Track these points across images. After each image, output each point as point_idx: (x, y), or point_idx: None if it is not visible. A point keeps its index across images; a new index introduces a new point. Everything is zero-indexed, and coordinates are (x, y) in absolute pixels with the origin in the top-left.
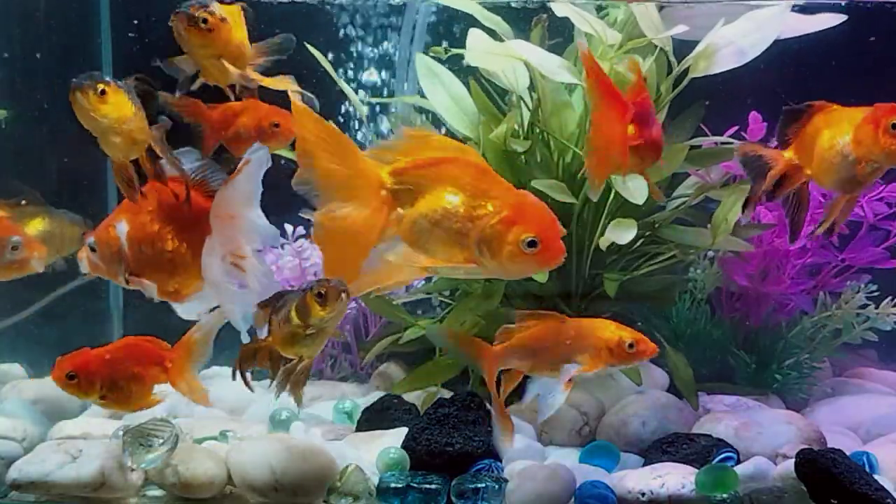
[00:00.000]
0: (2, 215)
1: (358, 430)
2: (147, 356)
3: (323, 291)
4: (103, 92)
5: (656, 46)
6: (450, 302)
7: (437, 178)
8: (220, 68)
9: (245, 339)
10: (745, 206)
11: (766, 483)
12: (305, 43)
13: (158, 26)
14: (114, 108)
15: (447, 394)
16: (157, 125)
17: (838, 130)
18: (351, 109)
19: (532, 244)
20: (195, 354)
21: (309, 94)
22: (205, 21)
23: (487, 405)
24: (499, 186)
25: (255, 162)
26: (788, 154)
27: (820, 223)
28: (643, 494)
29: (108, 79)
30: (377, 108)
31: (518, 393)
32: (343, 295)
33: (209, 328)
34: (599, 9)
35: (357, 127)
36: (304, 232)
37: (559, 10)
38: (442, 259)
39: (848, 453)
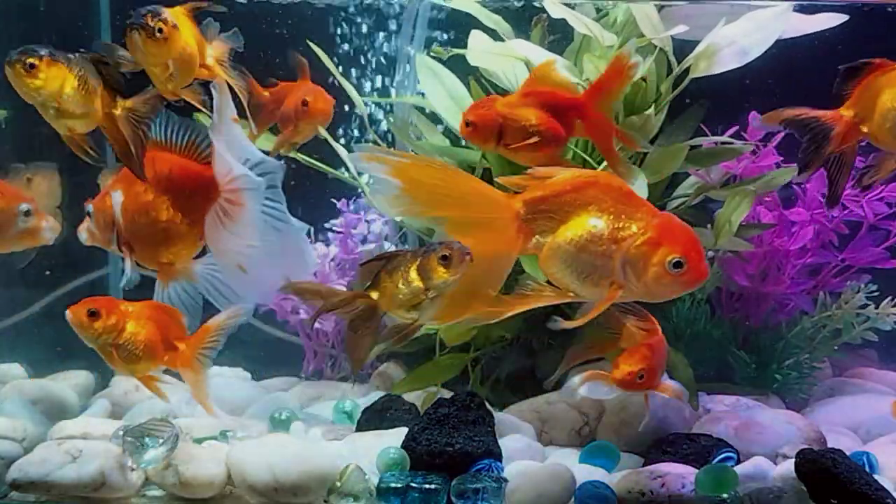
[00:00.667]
0: (6, 183)
1: (358, 430)
2: (164, 326)
3: (448, 254)
4: (31, 66)
5: (656, 46)
6: None
7: (578, 203)
8: (169, 73)
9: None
10: (803, 169)
11: (766, 483)
12: (308, 41)
13: None
14: (47, 82)
15: (447, 394)
16: (145, 98)
17: None
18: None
19: (678, 265)
20: (208, 342)
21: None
22: (160, 31)
23: (487, 405)
24: (642, 207)
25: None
26: (847, 112)
27: (866, 178)
28: (643, 494)
29: (42, 52)
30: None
31: (519, 394)
32: (467, 258)
33: (229, 321)
34: (599, 10)
35: (359, 125)
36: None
37: (555, 11)
38: (588, 283)
39: (848, 453)
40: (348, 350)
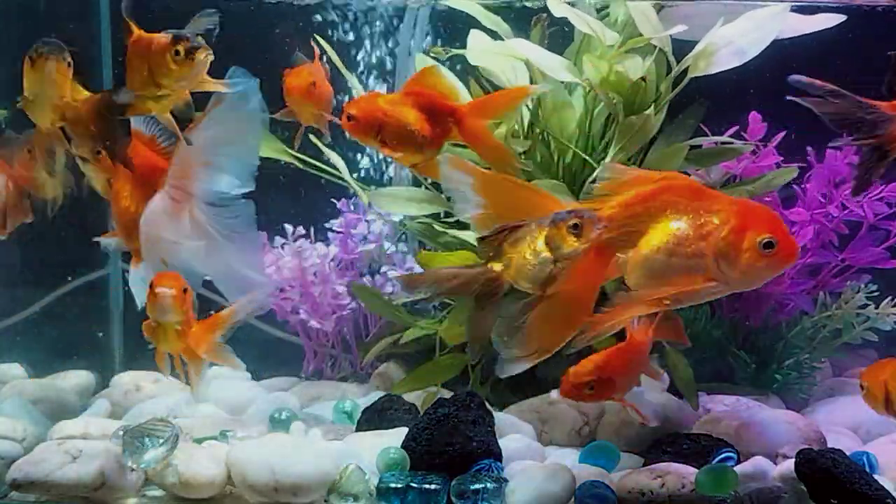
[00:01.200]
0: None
1: (358, 430)
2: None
3: (578, 222)
4: (69, 63)
5: (655, 46)
6: (450, 301)
7: (655, 211)
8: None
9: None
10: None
11: (766, 483)
12: (316, 36)
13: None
14: (65, 76)
15: (447, 394)
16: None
17: None
18: None
19: (769, 245)
20: (218, 329)
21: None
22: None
23: (487, 405)
24: (717, 199)
25: (226, 105)
26: None
27: None
28: (643, 494)
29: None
30: None
31: (519, 394)
32: (598, 225)
33: (242, 312)
34: (599, 9)
35: None
36: (303, 232)
37: (557, 10)
38: (684, 285)
39: (848, 453)
40: (472, 329)
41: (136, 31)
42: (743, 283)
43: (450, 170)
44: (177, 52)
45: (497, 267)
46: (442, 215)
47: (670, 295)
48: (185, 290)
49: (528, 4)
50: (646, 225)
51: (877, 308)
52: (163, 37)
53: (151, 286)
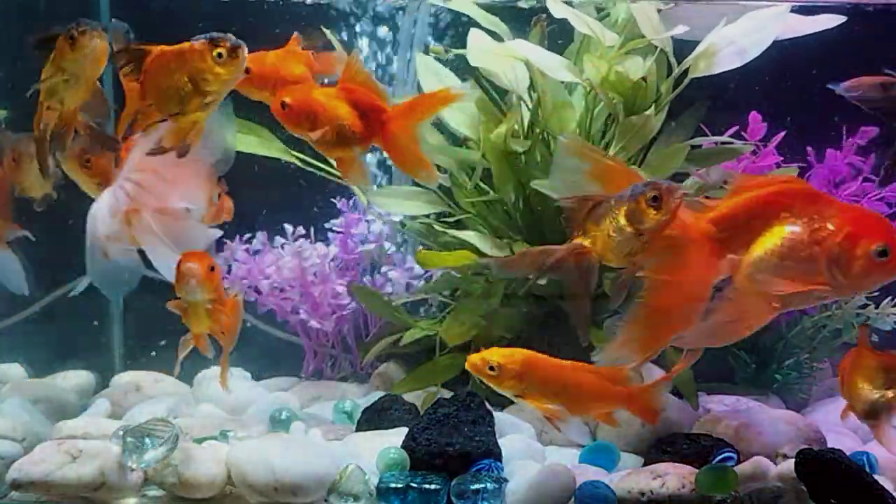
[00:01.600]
0: None
1: (358, 430)
2: None
3: (657, 194)
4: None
5: (656, 47)
6: (450, 302)
7: (769, 214)
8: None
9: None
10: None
11: (766, 483)
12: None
13: (158, 26)
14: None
15: (447, 394)
16: None
17: None
18: None
19: (883, 253)
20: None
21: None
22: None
23: (487, 405)
24: (832, 205)
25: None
26: None
27: None
28: (643, 494)
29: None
30: None
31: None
32: (679, 195)
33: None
34: (599, 10)
35: None
36: (303, 232)
37: (556, 11)
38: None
39: (848, 453)
40: (573, 312)
41: (151, 48)
42: (853, 288)
43: (564, 156)
44: (219, 55)
45: (585, 242)
46: (435, 216)
47: (780, 296)
48: (212, 269)
49: (524, 5)
50: (759, 227)
51: (877, 308)
52: (196, 43)
53: (178, 265)
